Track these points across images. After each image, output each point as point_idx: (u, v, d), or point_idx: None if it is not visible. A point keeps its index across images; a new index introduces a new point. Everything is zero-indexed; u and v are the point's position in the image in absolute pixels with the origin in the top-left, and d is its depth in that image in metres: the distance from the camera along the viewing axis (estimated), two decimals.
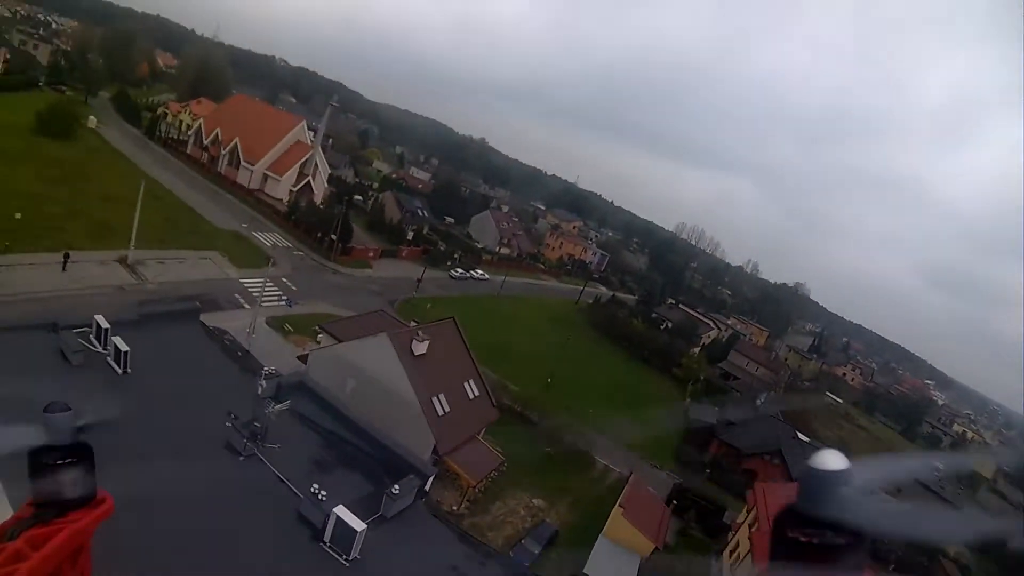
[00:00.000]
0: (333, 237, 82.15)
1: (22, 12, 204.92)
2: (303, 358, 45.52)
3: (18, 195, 63.08)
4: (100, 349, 27.32)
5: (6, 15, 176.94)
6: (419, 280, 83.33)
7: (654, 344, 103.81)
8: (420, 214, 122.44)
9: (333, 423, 29.51)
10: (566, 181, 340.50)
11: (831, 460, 1.52)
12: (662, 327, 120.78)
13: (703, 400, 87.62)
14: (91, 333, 27.77)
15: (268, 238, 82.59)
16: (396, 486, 25.00)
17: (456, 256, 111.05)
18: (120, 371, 26.53)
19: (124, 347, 26.45)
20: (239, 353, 42.18)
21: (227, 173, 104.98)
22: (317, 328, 50.61)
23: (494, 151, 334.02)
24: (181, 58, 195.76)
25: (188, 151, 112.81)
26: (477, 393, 45.19)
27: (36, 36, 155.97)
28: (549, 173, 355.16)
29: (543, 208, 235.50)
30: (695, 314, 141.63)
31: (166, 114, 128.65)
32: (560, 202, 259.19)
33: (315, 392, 30.88)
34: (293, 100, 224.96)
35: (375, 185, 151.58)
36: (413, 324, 46.85)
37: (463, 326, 48.60)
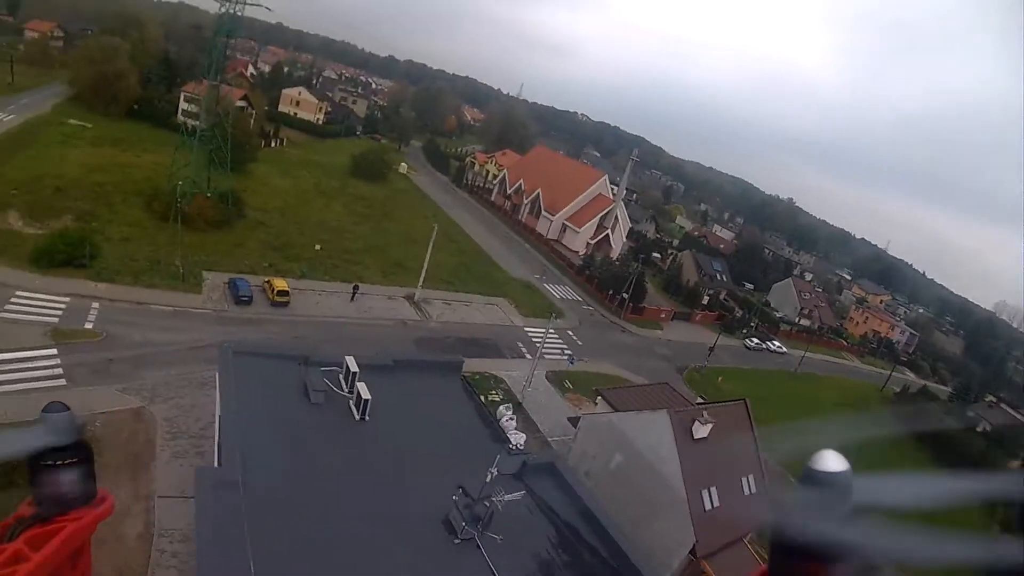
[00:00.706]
0: (625, 296, 78.24)
1: (346, 75, 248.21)
2: (574, 420, 43.41)
3: (326, 228, 68.30)
4: (344, 391, 26.52)
5: (332, 77, 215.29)
6: (711, 348, 75.81)
7: (967, 451, 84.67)
8: (719, 278, 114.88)
9: (575, 516, 25.18)
10: (875, 246, 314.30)
11: (831, 461, 1.50)
12: (978, 430, 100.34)
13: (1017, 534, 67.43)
14: (340, 373, 27.21)
15: (558, 290, 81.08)
16: None
17: (752, 324, 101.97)
18: (358, 416, 25.47)
19: (366, 394, 25.35)
20: (507, 411, 39.20)
21: (527, 221, 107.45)
22: (595, 390, 46.84)
23: (801, 211, 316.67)
24: (487, 113, 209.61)
25: (492, 199, 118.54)
26: (755, 491, 38.19)
27: (355, 93, 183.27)
28: (857, 236, 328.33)
29: (848, 278, 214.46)
30: (1020, 417, 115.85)
31: (473, 163, 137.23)
32: (867, 271, 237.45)
33: (563, 477, 27.06)
34: (597, 154, 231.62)
35: (675, 242, 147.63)
36: (699, 402, 43.30)
37: (752, 405, 41.53)
